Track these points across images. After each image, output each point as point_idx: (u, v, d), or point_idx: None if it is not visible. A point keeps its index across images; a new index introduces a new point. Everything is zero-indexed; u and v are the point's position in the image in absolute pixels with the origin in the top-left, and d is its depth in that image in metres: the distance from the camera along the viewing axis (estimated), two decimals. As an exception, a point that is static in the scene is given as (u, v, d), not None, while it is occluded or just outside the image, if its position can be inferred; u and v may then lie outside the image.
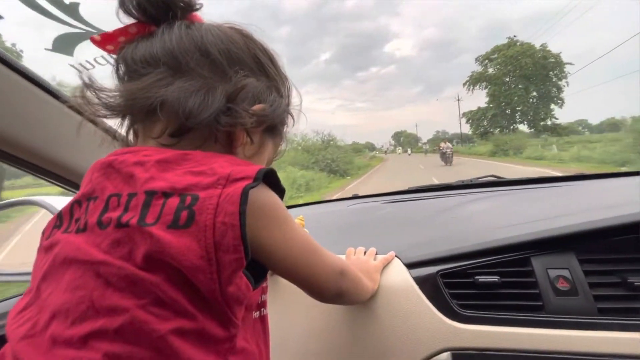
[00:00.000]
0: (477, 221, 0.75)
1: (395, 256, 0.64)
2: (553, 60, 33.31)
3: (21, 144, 0.57)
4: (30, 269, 0.37)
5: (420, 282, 0.58)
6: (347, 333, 0.60)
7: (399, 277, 0.60)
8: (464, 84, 39.88)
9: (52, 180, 0.68)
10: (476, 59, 38.38)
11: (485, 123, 38.48)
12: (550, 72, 33.58)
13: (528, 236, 0.56)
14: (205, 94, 0.36)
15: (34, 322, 0.31)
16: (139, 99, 0.36)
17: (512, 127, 36.08)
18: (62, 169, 0.66)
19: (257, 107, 0.38)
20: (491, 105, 36.92)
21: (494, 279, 0.54)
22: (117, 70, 0.40)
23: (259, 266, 0.36)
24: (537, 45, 33.85)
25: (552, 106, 34.28)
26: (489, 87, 37.15)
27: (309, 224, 0.97)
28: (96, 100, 0.37)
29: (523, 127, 36.37)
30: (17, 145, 0.57)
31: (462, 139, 50.16)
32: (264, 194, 0.35)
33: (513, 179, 1.15)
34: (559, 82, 33.67)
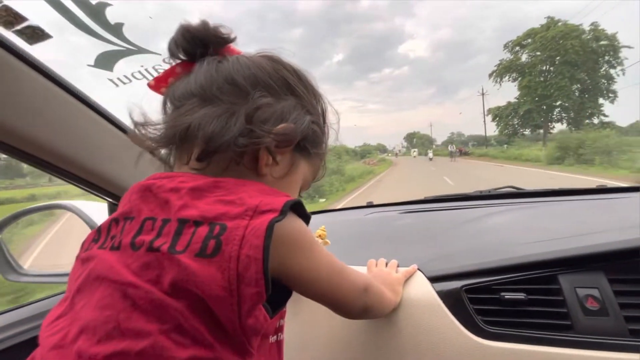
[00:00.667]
0: (500, 235, 0.75)
1: (418, 269, 0.64)
2: (606, 42, 26.87)
3: (69, 157, 0.61)
4: (60, 270, 0.39)
5: (444, 296, 0.58)
6: (370, 346, 0.60)
7: (422, 290, 0.60)
8: (490, 75, 33.80)
9: (86, 188, 0.71)
10: (505, 45, 32.03)
11: (515, 121, 32.75)
12: (600, 59, 27.49)
13: (556, 253, 0.55)
14: (227, 118, 0.37)
15: (65, 333, 0.32)
16: (169, 128, 0.39)
17: (550, 126, 30.70)
18: (100, 179, 0.69)
19: (280, 126, 0.39)
20: (524, 100, 30.51)
21: (521, 295, 0.54)
22: (165, 107, 0.43)
23: (281, 292, 0.36)
24: (586, 26, 27.34)
25: (601, 101, 28.12)
26: (519, 78, 31.06)
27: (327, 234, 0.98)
28: (147, 135, 0.41)
29: (560, 127, 30.51)
30: (65, 159, 0.61)
31: (487, 140, 43.74)
32: (290, 225, 0.35)
33: (532, 191, 1.14)
34: (611, 71, 27.46)
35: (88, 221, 0.88)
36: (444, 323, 0.56)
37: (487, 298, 0.56)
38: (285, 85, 0.42)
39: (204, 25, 0.40)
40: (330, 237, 0.99)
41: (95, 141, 0.64)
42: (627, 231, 0.57)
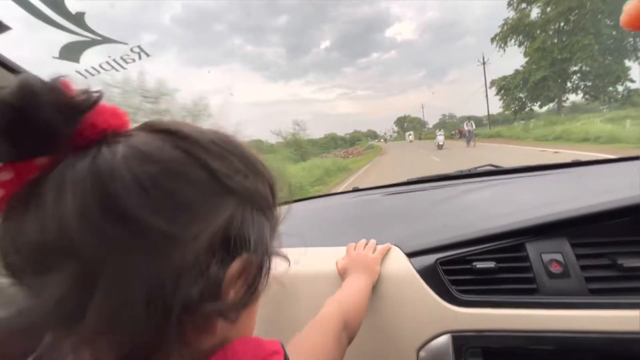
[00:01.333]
0: (475, 210, 0.77)
1: (396, 246, 0.66)
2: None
3: None
4: None
5: (421, 270, 0.61)
6: None
7: (400, 266, 0.63)
8: (493, 39, 26.58)
9: None
10: (509, 3, 24.96)
11: (522, 94, 25.82)
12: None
13: (522, 223, 0.58)
14: None
15: None
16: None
17: (563, 98, 24.17)
18: None
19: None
20: (537, 66, 23.24)
21: (491, 264, 0.57)
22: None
23: None
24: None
25: (628, 63, 21.15)
26: (527, 41, 24.32)
27: (312, 219, 1.00)
28: None
29: (574, 98, 24.64)
30: None
31: (490, 118, 32.03)
32: None
33: (510, 168, 1.17)
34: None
35: None
36: (420, 295, 0.58)
37: (460, 269, 0.59)
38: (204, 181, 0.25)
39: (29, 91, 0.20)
40: (314, 221, 1.01)
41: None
42: (589, 199, 0.59)
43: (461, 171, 1.23)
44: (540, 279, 0.54)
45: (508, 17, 25.90)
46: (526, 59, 25.05)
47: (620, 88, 21.97)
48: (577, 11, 21.48)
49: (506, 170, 1.15)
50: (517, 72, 25.97)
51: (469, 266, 0.58)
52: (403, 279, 0.61)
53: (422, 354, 0.56)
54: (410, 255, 0.64)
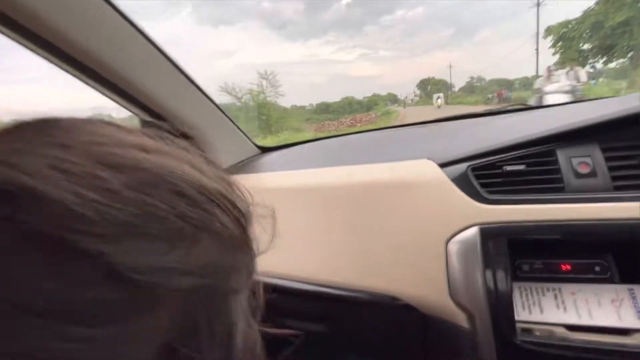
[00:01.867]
0: (507, 129, 0.80)
1: (429, 158, 0.72)
2: None
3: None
4: None
5: (453, 177, 0.66)
6: (381, 222, 0.71)
7: (433, 175, 0.68)
8: None
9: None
10: None
11: (588, 45, 18.65)
12: None
13: (552, 130, 0.62)
14: None
15: None
16: None
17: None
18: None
19: None
20: (621, 3, 15.97)
21: (520, 167, 0.61)
22: None
23: None
24: None
25: None
26: None
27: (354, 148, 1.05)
28: None
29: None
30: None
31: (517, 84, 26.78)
32: None
33: (542, 105, 1.17)
34: None
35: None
36: (451, 196, 0.64)
37: (491, 173, 0.64)
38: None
39: None
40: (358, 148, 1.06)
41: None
42: (621, 105, 0.61)
43: (491, 110, 1.23)
44: (567, 179, 0.59)
45: None
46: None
47: None
48: None
49: (539, 106, 1.14)
50: (585, 14, 18.37)
51: (499, 171, 0.63)
52: (436, 185, 0.67)
53: (450, 245, 0.63)
54: (443, 165, 0.69)
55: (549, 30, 21.35)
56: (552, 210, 0.57)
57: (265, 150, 1.30)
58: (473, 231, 0.61)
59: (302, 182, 0.85)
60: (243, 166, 1.14)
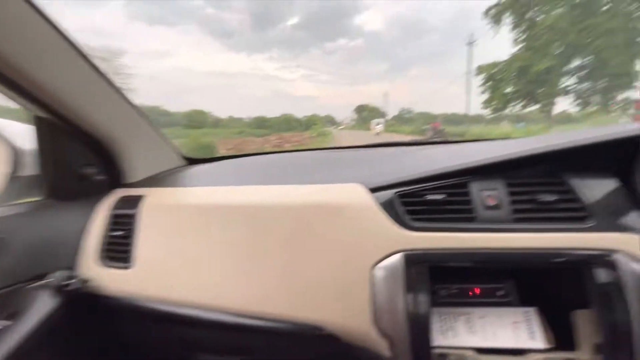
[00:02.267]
0: (430, 158, 0.86)
1: (360, 183, 0.73)
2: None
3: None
4: None
5: (381, 202, 0.68)
6: (308, 246, 0.68)
7: (362, 199, 0.69)
8: (487, 12, 20.15)
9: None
10: None
11: (509, 89, 19.73)
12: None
13: (467, 164, 0.68)
14: None
15: None
16: None
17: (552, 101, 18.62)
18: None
19: None
20: (545, 52, 17.23)
21: (439, 196, 0.65)
22: None
23: None
24: None
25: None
26: (522, 25, 18.57)
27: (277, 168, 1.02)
28: None
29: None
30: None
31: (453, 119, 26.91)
32: None
33: (460, 140, 1.31)
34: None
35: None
36: (379, 222, 0.65)
37: (415, 201, 0.67)
38: None
39: None
40: (282, 169, 1.03)
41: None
42: (526, 145, 0.70)
43: (418, 140, 1.34)
44: (477, 210, 0.64)
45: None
46: (521, 45, 18.81)
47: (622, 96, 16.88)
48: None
49: (462, 140, 1.28)
50: (514, 57, 19.06)
51: (422, 199, 0.66)
52: (364, 210, 0.68)
53: (376, 270, 0.63)
54: (373, 190, 0.70)
55: (480, 69, 22.02)
56: (464, 239, 0.62)
57: (192, 161, 1.20)
58: (398, 257, 0.62)
59: (226, 199, 0.78)
60: (165, 177, 1.03)
